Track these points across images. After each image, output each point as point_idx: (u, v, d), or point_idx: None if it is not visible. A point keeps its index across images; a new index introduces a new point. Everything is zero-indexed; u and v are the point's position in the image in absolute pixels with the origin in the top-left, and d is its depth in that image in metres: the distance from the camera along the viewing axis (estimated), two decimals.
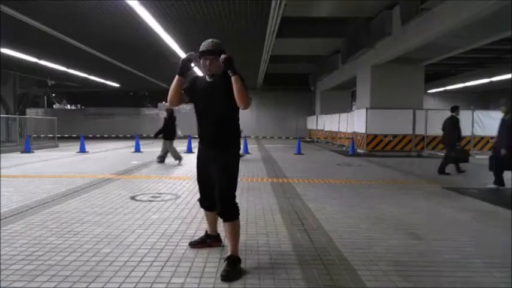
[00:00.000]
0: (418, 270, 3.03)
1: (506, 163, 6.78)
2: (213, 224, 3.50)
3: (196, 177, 3.29)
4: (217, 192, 3.03)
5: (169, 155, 10.75)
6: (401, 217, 4.73)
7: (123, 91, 32.52)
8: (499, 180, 6.96)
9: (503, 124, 7.19)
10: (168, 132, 10.61)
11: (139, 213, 4.80)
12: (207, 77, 3.09)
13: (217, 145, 3.06)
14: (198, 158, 3.23)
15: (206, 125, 3.10)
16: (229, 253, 3.03)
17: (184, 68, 3.03)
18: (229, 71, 2.90)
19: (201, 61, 3.00)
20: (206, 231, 3.56)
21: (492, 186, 6.96)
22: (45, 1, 10.11)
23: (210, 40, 3.04)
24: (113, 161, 11.52)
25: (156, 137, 10.85)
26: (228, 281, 2.76)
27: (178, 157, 10.59)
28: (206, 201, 3.28)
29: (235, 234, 3.05)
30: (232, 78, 2.89)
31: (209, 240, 3.51)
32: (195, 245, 3.50)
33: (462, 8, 8.76)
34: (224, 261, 2.99)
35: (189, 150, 14.40)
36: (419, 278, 2.88)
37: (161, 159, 10.71)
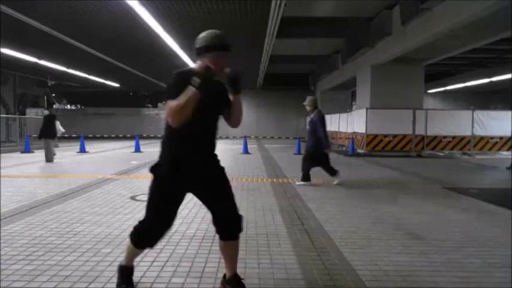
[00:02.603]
0: (418, 270, 3.03)
1: None
2: (234, 260, 2.65)
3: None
4: (232, 207, 2.53)
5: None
6: (401, 217, 4.73)
7: (123, 91, 32.53)
8: None
9: None
10: (47, 132, 11.21)
11: (140, 213, 4.79)
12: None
13: (215, 161, 2.59)
14: (177, 179, 2.44)
15: (201, 139, 2.50)
16: (232, 272, 2.62)
17: (209, 81, 2.28)
18: (235, 87, 2.47)
19: (214, 55, 2.36)
20: (231, 276, 2.63)
21: None
22: (45, 1, 10.11)
23: (222, 32, 2.44)
24: (113, 161, 11.52)
25: (41, 138, 11.31)
26: None
27: (50, 159, 11.03)
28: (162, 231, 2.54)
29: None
30: (237, 96, 2.51)
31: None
32: None
33: (462, 8, 8.75)
34: (228, 284, 2.60)
35: None
36: (420, 278, 2.88)
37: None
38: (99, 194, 6.03)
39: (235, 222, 2.52)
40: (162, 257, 3.25)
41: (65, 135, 17.63)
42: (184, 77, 2.29)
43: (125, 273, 2.67)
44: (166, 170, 2.44)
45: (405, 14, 11.03)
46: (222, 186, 2.55)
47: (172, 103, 2.21)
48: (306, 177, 7.22)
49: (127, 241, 2.62)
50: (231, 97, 2.52)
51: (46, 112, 11.92)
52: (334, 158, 13.34)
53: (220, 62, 2.36)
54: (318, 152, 7.13)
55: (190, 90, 2.20)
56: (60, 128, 11.70)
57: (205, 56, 2.37)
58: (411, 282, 2.81)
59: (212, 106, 2.44)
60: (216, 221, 2.55)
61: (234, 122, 2.60)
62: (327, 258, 3.25)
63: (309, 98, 7.32)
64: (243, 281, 2.63)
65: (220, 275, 2.88)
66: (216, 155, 2.59)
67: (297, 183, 7.26)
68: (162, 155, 2.50)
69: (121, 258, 3.18)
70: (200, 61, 2.39)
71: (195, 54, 2.45)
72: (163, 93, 31.26)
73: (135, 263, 3.07)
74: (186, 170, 2.43)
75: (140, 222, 2.51)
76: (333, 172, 7.25)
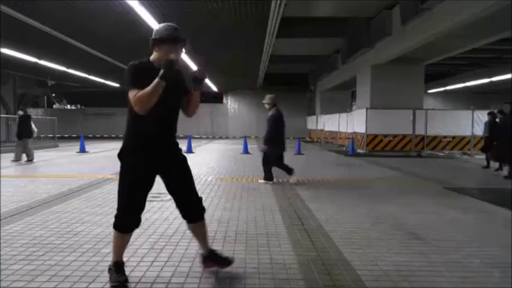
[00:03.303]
0: (418, 270, 3.03)
1: None
2: (204, 238, 2.99)
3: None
4: (193, 194, 2.81)
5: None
6: (401, 217, 4.73)
7: (123, 91, 32.48)
8: None
9: None
10: (24, 132, 11.25)
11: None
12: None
13: (176, 144, 2.83)
14: (146, 161, 2.63)
15: (164, 121, 2.69)
16: (206, 249, 2.95)
17: (172, 72, 2.48)
18: (196, 86, 2.76)
19: (175, 47, 2.62)
20: (208, 253, 2.97)
21: None
22: (46, 1, 10.12)
23: (175, 25, 2.67)
24: (113, 161, 11.46)
25: (21, 138, 11.28)
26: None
27: (18, 158, 11.16)
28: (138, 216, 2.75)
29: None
30: (196, 93, 2.79)
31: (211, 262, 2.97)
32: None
33: (462, 8, 8.76)
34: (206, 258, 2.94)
35: (189, 151, 14.40)
36: (420, 278, 2.88)
37: (29, 158, 11.23)
38: (99, 194, 6.03)
39: (198, 204, 2.84)
40: (162, 257, 3.25)
41: (65, 135, 17.63)
42: (143, 67, 2.57)
43: (117, 267, 2.69)
44: (135, 153, 2.64)
45: (405, 14, 11.03)
46: (184, 172, 2.80)
47: (139, 92, 2.43)
48: (268, 177, 7.25)
49: (112, 236, 2.77)
50: (192, 91, 2.79)
51: (21, 113, 11.87)
52: (334, 158, 13.38)
53: (174, 52, 2.59)
54: (276, 149, 7.17)
55: (155, 81, 2.41)
56: (34, 128, 11.70)
57: (161, 46, 2.62)
58: (411, 282, 2.81)
59: (173, 93, 2.61)
60: (179, 206, 2.83)
61: (189, 112, 2.88)
62: (327, 258, 3.25)
63: (267, 96, 7.35)
64: (217, 251, 2.98)
65: (220, 275, 2.89)
66: (177, 143, 2.84)
67: (260, 181, 7.31)
68: (127, 138, 2.69)
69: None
70: (156, 52, 2.65)
71: (150, 44, 2.68)
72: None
73: (134, 263, 3.09)
74: (153, 152, 2.65)
75: (118, 210, 2.73)
76: (289, 171, 7.28)
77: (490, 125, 10.18)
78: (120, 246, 2.74)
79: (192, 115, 2.91)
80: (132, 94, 2.46)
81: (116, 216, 2.71)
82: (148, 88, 2.41)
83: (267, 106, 7.33)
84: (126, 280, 2.65)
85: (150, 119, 2.53)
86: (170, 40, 2.61)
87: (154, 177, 2.73)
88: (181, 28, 2.67)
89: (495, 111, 10.16)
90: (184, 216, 2.86)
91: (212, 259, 2.94)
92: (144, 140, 2.63)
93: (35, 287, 2.66)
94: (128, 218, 2.69)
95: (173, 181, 2.79)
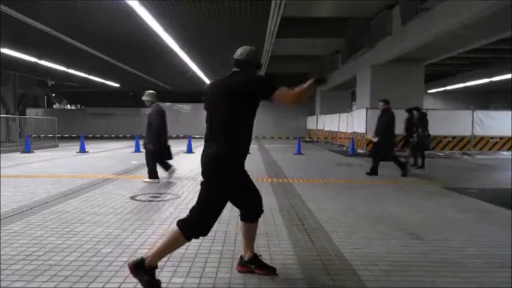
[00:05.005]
0: (418, 270, 3.03)
1: None
2: (253, 240, 3.04)
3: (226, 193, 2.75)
4: (258, 194, 2.90)
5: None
6: (401, 217, 4.73)
7: (123, 91, 32.50)
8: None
9: None
10: None
11: (139, 213, 4.80)
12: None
13: None
14: (242, 164, 2.81)
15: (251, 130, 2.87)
16: (252, 251, 2.97)
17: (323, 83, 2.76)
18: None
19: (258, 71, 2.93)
20: (253, 256, 2.98)
21: None
22: (46, 1, 10.11)
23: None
24: (113, 161, 11.52)
25: None
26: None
27: None
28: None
29: None
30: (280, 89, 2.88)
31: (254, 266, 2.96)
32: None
33: (462, 8, 8.75)
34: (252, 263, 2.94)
35: (190, 151, 14.39)
36: (420, 278, 2.88)
37: None
38: (99, 194, 6.03)
39: (261, 204, 2.91)
40: None
41: (65, 135, 17.63)
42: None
43: (152, 271, 2.61)
44: (234, 165, 2.70)
45: (405, 14, 11.02)
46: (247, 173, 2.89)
47: (294, 89, 2.66)
48: (153, 175, 7.22)
49: (169, 236, 2.65)
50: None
51: None
52: (335, 158, 13.37)
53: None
54: (158, 146, 7.10)
55: (309, 82, 2.66)
56: None
57: (246, 68, 2.83)
58: (411, 282, 2.81)
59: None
60: (246, 205, 2.88)
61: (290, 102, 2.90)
62: (327, 258, 3.25)
63: (147, 92, 7.28)
64: (261, 256, 3.00)
65: (220, 275, 2.89)
66: None
67: (144, 179, 7.29)
68: (232, 152, 2.69)
69: (121, 258, 3.19)
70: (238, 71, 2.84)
71: (237, 64, 2.84)
72: (162, 93, 31.33)
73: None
74: (243, 163, 2.81)
75: (198, 215, 2.65)
76: (166, 167, 7.27)
77: (408, 122, 10.93)
78: (172, 251, 2.77)
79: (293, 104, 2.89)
80: (282, 90, 2.63)
81: (193, 222, 2.64)
82: (305, 85, 2.65)
83: (146, 103, 7.24)
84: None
85: (251, 125, 2.77)
86: (258, 67, 2.90)
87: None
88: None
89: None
90: (245, 215, 2.89)
91: (255, 263, 2.93)
92: (244, 153, 2.78)
93: (35, 287, 2.66)
94: (204, 226, 2.66)
95: (246, 181, 2.84)
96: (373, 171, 8.50)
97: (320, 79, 2.71)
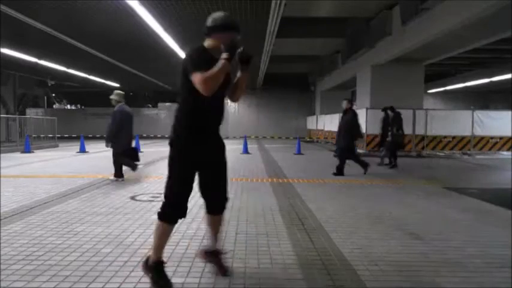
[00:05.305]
0: (418, 270, 3.03)
1: None
2: (218, 233, 2.95)
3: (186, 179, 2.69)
4: (222, 188, 2.83)
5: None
6: (401, 217, 4.73)
7: (123, 91, 32.52)
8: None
9: None
10: None
11: (139, 213, 4.80)
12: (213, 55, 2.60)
13: (220, 137, 2.83)
14: (196, 151, 2.64)
15: (213, 113, 2.70)
16: (217, 246, 2.92)
17: (235, 50, 2.53)
18: (245, 67, 2.69)
19: (226, 36, 2.60)
20: (212, 251, 2.93)
21: None
22: (46, 1, 10.11)
23: (230, 15, 2.72)
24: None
25: None
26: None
27: None
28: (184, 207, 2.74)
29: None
30: (246, 74, 2.74)
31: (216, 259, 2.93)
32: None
33: (462, 8, 8.75)
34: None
35: None
36: (420, 278, 2.88)
37: None
38: (99, 194, 6.03)
39: (226, 197, 2.86)
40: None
41: (65, 135, 17.62)
42: (200, 52, 2.58)
43: (157, 268, 2.65)
44: (190, 142, 2.61)
45: (405, 14, 11.03)
46: (224, 163, 2.81)
47: (206, 73, 2.39)
48: (119, 174, 7.34)
49: (154, 229, 2.69)
50: (239, 74, 2.72)
51: None
52: (334, 158, 13.33)
53: (227, 41, 2.54)
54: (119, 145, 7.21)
55: (221, 62, 2.43)
56: None
57: (217, 34, 2.61)
58: (411, 282, 2.81)
59: (223, 81, 2.56)
60: (208, 195, 2.81)
61: (236, 97, 2.84)
62: (327, 258, 3.25)
63: (115, 92, 7.42)
64: (223, 255, 2.94)
65: (221, 275, 2.89)
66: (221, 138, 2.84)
67: (110, 178, 7.38)
68: (181, 127, 2.64)
69: (121, 258, 3.19)
70: (210, 39, 2.65)
71: (205, 32, 2.67)
72: (162, 93, 31.27)
73: (135, 263, 3.08)
74: (202, 142, 2.64)
75: (165, 199, 2.65)
76: (132, 165, 7.37)
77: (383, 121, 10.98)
78: (163, 241, 2.69)
79: (238, 100, 2.89)
80: (198, 76, 2.40)
81: (163, 206, 2.65)
82: (215, 68, 2.41)
83: (112, 102, 7.37)
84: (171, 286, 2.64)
85: (202, 109, 2.58)
86: (228, 28, 2.63)
87: (202, 166, 2.72)
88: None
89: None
90: (209, 206, 2.84)
91: (214, 257, 2.90)
92: (197, 131, 2.63)
93: (35, 287, 2.66)
94: (176, 207, 2.65)
95: (212, 170, 2.76)
96: (339, 172, 8.44)
97: (232, 50, 2.47)
